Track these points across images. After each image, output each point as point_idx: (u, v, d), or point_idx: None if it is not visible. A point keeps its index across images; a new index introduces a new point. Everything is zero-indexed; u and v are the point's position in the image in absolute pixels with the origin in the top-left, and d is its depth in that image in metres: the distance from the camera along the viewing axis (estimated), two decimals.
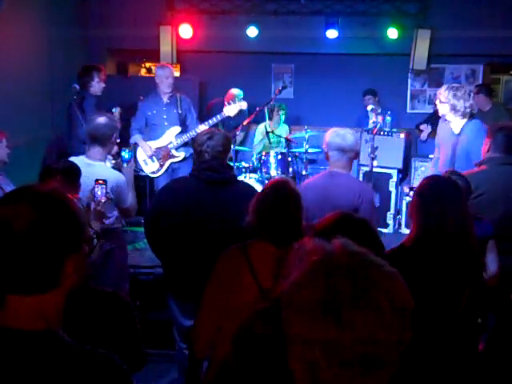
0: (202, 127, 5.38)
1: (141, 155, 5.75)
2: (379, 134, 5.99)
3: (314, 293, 0.98)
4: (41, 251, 1.20)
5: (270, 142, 6.74)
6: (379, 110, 6.58)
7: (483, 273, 2.69)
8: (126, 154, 3.70)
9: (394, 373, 1.00)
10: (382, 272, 1.02)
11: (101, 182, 3.10)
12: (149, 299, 4.58)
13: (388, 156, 6.07)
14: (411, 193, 2.88)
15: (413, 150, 7.01)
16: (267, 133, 6.58)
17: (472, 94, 4.16)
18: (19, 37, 5.81)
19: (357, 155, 3.45)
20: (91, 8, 7.59)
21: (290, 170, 6.27)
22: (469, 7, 7.14)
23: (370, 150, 5.31)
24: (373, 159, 5.26)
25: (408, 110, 8.18)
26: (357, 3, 7.35)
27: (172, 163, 5.77)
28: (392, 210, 6.30)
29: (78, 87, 5.26)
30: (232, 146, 5.21)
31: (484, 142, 3.64)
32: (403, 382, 1.14)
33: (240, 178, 5.79)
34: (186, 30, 7.50)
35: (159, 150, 5.71)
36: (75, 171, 3.16)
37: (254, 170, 6.35)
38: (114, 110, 5.81)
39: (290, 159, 6.26)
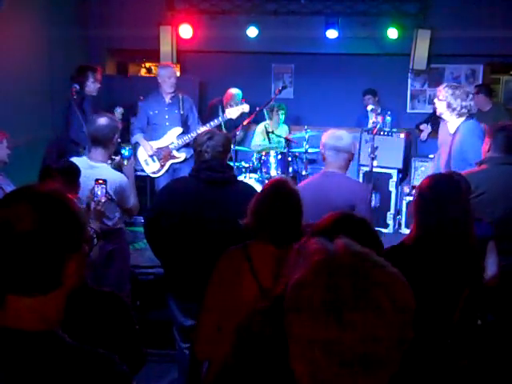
0: (204, 129, 5.37)
1: (142, 155, 5.74)
2: (379, 134, 5.99)
3: (316, 292, 0.98)
4: (42, 252, 1.19)
5: (270, 142, 6.74)
6: (379, 110, 6.59)
7: (483, 274, 2.69)
8: (125, 152, 3.71)
9: (394, 373, 1.00)
10: (384, 272, 1.02)
11: (101, 181, 3.10)
12: (149, 299, 4.58)
13: (388, 156, 6.07)
14: (413, 191, 2.89)
15: (413, 150, 7.02)
16: (267, 133, 6.58)
17: (471, 95, 4.17)
18: (19, 37, 5.81)
19: (352, 156, 3.49)
20: (91, 8, 7.60)
21: (290, 169, 6.27)
22: (469, 7, 7.14)
23: (370, 150, 5.31)
24: (373, 159, 5.26)
25: (408, 110, 8.18)
26: (357, 3, 7.35)
27: (173, 164, 5.77)
28: (392, 210, 6.30)
29: (78, 87, 5.25)
30: (232, 146, 5.21)
31: (484, 142, 3.64)
32: (403, 382, 1.14)
33: (240, 178, 5.79)
34: (185, 30, 7.50)
35: (160, 150, 5.70)
36: (75, 171, 3.16)
37: (254, 170, 6.35)
38: (117, 109, 5.80)
39: (289, 159, 6.26)
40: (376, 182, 5.97)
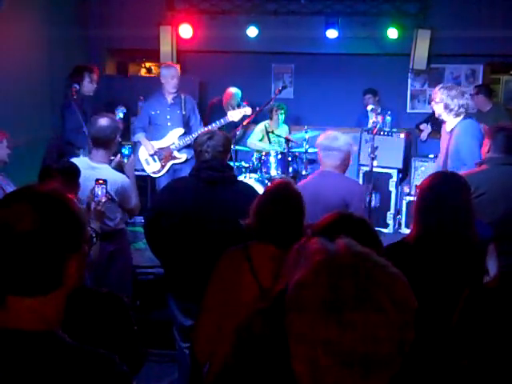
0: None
1: (143, 154, 5.73)
2: (379, 134, 5.99)
3: (317, 292, 0.98)
4: (42, 252, 1.19)
5: (270, 142, 6.74)
6: (379, 110, 6.58)
7: (484, 274, 2.69)
8: (125, 151, 3.72)
9: (395, 373, 1.00)
10: (385, 272, 1.02)
11: (101, 181, 3.10)
12: (149, 299, 4.58)
13: (388, 156, 6.07)
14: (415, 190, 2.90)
15: (413, 150, 7.02)
16: (267, 132, 6.58)
17: (466, 94, 4.18)
18: (19, 37, 5.81)
19: (349, 155, 3.55)
20: (91, 8, 7.60)
21: (290, 169, 6.27)
22: (469, 7, 7.14)
23: (369, 149, 5.31)
24: (373, 159, 5.26)
25: (408, 110, 8.18)
26: (357, 3, 7.35)
27: (174, 164, 5.75)
28: (392, 210, 6.30)
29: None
30: (232, 147, 5.21)
31: (483, 143, 3.65)
32: (403, 382, 1.14)
33: (240, 177, 5.79)
34: (185, 30, 7.50)
35: (161, 151, 5.69)
36: (74, 171, 3.16)
37: (254, 170, 6.35)
38: (118, 109, 5.79)
39: (289, 159, 6.26)
40: (376, 181, 5.97)
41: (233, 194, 3.10)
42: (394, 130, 6.44)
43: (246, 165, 6.40)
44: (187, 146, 5.66)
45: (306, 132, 6.31)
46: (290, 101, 7.75)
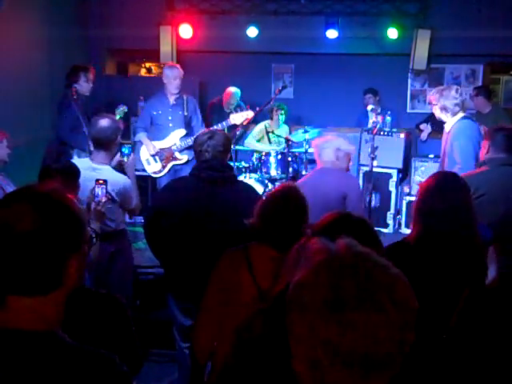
0: None
1: (144, 154, 5.72)
2: (379, 134, 5.99)
3: (318, 292, 0.98)
4: (42, 252, 1.19)
5: (269, 142, 6.74)
6: (379, 110, 6.58)
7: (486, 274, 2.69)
8: (125, 150, 3.72)
9: (395, 374, 1.00)
10: (386, 272, 1.02)
11: (101, 181, 3.09)
12: (149, 299, 4.58)
13: (388, 156, 6.07)
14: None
15: (413, 150, 7.02)
16: (267, 132, 6.57)
17: (459, 90, 4.21)
18: (19, 37, 5.82)
19: (343, 153, 3.79)
20: (91, 8, 7.60)
21: (290, 169, 6.27)
22: (469, 7, 7.14)
23: (369, 149, 5.31)
24: (373, 159, 5.26)
25: (408, 110, 8.18)
26: (357, 3, 7.35)
27: (175, 165, 5.75)
28: (392, 210, 6.30)
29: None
30: (232, 146, 5.21)
31: (482, 144, 3.65)
32: (403, 382, 1.14)
33: (240, 177, 5.79)
34: (185, 30, 7.50)
35: (162, 151, 5.68)
36: (74, 171, 3.15)
37: (253, 170, 6.35)
38: (119, 107, 5.77)
39: (289, 159, 6.26)
40: (376, 181, 5.97)
41: (233, 193, 3.10)
42: (394, 130, 6.44)
43: (246, 165, 6.40)
44: (188, 148, 5.63)
45: (306, 132, 6.31)
46: (289, 101, 7.74)
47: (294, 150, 6.49)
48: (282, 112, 6.84)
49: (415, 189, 6.10)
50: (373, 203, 5.77)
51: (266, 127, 6.70)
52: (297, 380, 1.03)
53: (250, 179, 6.08)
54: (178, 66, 5.83)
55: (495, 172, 3.46)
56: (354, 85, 7.58)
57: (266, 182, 6.15)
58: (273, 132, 6.61)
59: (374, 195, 5.87)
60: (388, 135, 6.29)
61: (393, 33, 7.26)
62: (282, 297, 1.06)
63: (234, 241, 2.49)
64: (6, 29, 5.50)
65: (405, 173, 6.54)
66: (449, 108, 4.12)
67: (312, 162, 6.95)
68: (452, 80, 7.84)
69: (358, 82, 7.51)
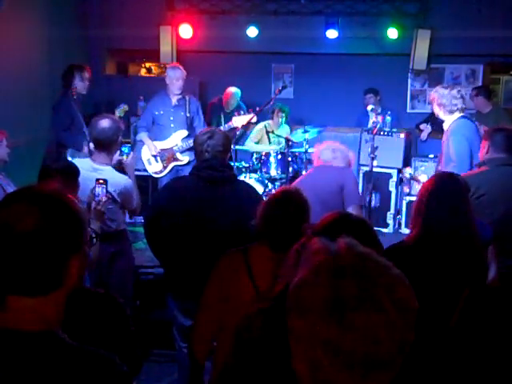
0: None
1: (145, 154, 5.72)
2: (379, 134, 5.99)
3: (318, 292, 0.98)
4: (43, 252, 1.19)
5: (269, 142, 6.74)
6: (379, 110, 6.59)
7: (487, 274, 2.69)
8: (125, 149, 3.72)
9: (395, 375, 1.00)
10: (386, 273, 1.02)
11: (101, 181, 3.09)
12: (149, 299, 4.58)
13: (388, 156, 6.07)
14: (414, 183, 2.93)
15: (413, 150, 7.02)
16: (267, 132, 6.57)
17: (456, 88, 4.23)
18: (19, 37, 5.82)
19: (343, 154, 3.96)
20: (91, 8, 7.60)
21: (290, 169, 6.26)
22: (469, 7, 7.14)
23: (369, 149, 5.31)
24: (373, 159, 5.26)
25: (408, 110, 8.19)
26: (357, 3, 7.35)
27: (176, 165, 5.74)
28: (392, 210, 6.30)
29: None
30: (232, 146, 5.21)
31: (481, 145, 3.65)
32: (403, 382, 1.14)
33: (240, 177, 5.79)
34: (185, 30, 7.50)
35: (164, 152, 5.68)
36: (74, 171, 3.14)
37: (254, 170, 6.35)
38: (120, 106, 5.77)
39: (290, 159, 6.26)
40: (376, 181, 5.97)
41: (233, 193, 3.10)
42: (394, 130, 6.44)
43: (246, 165, 6.39)
44: (190, 149, 5.60)
45: (306, 132, 6.30)
46: (290, 101, 7.74)
47: (293, 150, 6.49)
48: (283, 115, 6.81)
49: (415, 189, 6.11)
50: (373, 203, 5.77)
51: (265, 127, 6.69)
52: (297, 380, 1.03)
53: (250, 179, 6.08)
54: (181, 66, 5.82)
55: (495, 172, 3.46)
56: (354, 85, 7.58)
57: (266, 181, 6.15)
58: (273, 132, 6.61)
59: (374, 195, 5.87)
60: (388, 135, 6.29)
61: (393, 33, 7.26)
62: (282, 297, 1.06)
63: (233, 240, 2.49)
64: (6, 29, 5.50)
65: None
66: (446, 105, 4.13)
67: (312, 162, 6.96)
68: (452, 80, 7.84)
69: (358, 82, 7.51)
